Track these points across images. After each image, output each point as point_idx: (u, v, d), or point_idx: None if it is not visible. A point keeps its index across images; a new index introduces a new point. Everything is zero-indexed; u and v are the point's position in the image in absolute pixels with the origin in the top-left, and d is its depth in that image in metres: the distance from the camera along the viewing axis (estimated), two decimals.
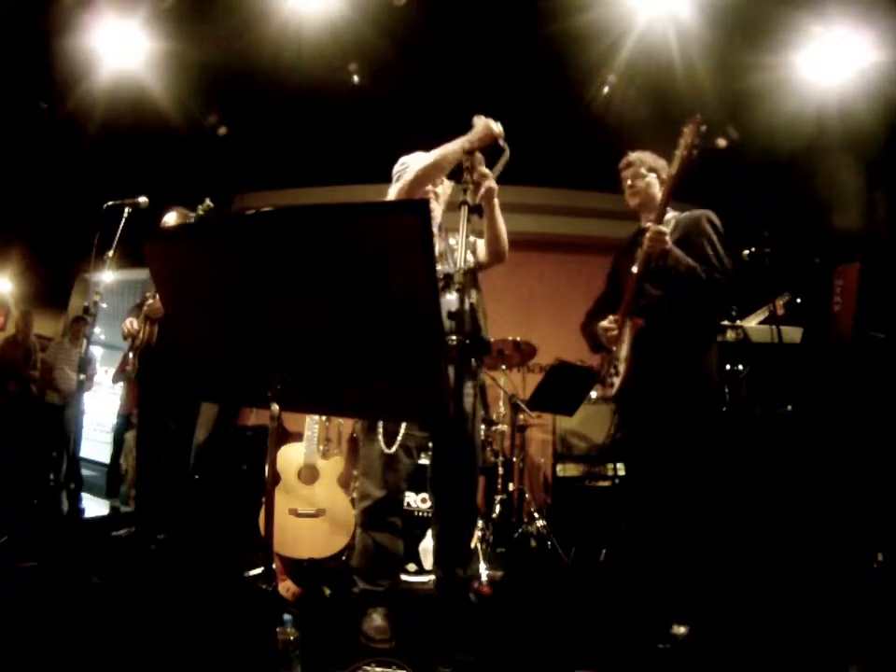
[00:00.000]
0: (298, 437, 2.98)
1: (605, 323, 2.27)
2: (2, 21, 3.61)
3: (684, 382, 2.08)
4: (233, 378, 1.31)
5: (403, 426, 2.11)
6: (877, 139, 3.86)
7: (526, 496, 3.84)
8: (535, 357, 4.01)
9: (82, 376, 3.11)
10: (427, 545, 2.96)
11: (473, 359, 2.24)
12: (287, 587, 2.46)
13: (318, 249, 1.04)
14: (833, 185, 4.02)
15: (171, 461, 3.17)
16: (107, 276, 3.03)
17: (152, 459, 3.14)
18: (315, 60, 3.91)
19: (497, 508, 3.68)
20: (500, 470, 3.84)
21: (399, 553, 2.19)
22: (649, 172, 2.29)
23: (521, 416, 4.00)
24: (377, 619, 2.00)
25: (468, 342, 1.96)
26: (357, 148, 4.80)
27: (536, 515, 3.65)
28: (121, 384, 5.61)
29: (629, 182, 2.32)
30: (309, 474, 2.85)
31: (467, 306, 1.77)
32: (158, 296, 2.72)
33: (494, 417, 4.07)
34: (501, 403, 4.18)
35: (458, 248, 1.65)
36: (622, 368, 2.17)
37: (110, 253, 2.86)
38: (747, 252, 2.73)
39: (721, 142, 4.28)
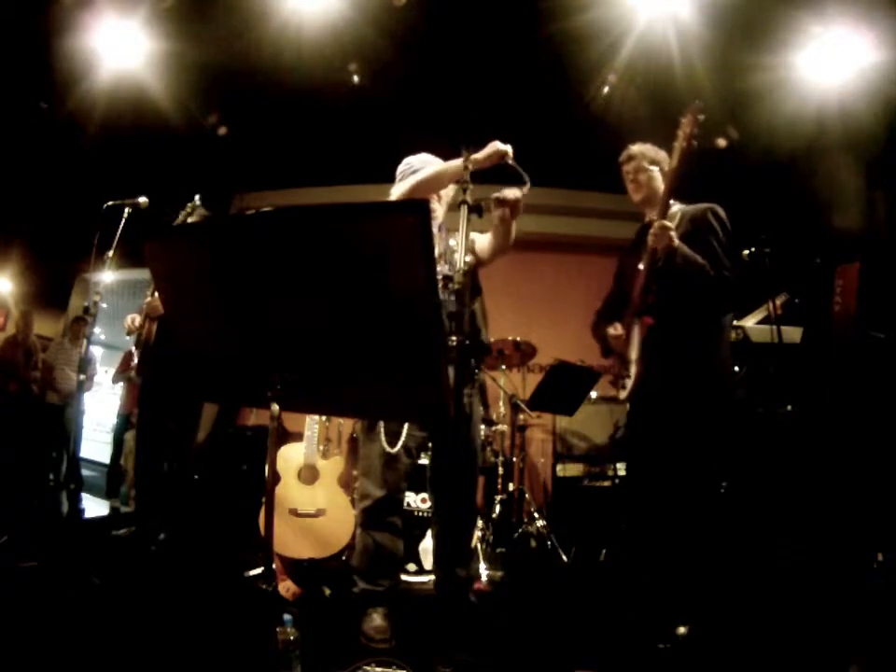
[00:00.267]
0: (298, 437, 2.98)
1: (611, 330, 2.25)
2: (2, 21, 3.61)
3: (697, 381, 2.05)
4: (233, 378, 1.31)
5: (406, 426, 2.11)
6: (877, 139, 3.85)
7: (526, 496, 3.84)
8: (535, 357, 4.01)
9: (82, 376, 3.09)
10: (427, 545, 2.96)
11: (473, 361, 2.24)
12: (286, 587, 2.46)
13: (318, 249, 1.04)
14: (833, 185, 4.02)
15: (171, 461, 3.17)
16: (107, 276, 3.02)
17: (152, 459, 3.14)
18: (314, 60, 3.91)
19: (497, 508, 3.68)
20: (500, 470, 3.84)
21: (399, 553, 2.19)
22: (651, 165, 2.23)
23: (521, 416, 4.00)
24: (377, 619, 2.00)
25: (467, 342, 1.97)
26: (357, 148, 4.80)
27: (536, 515, 3.65)
28: (121, 384, 5.64)
29: (631, 177, 2.26)
30: (309, 474, 2.85)
31: (466, 307, 1.78)
32: (156, 294, 2.72)
33: (494, 417, 4.07)
34: (501, 403, 4.19)
35: (458, 249, 1.65)
36: (633, 369, 2.15)
37: (110, 253, 2.86)
38: (747, 252, 2.72)
39: (721, 142, 4.28)
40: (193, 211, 3.09)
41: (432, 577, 2.38)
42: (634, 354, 2.15)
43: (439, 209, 2.29)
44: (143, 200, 2.89)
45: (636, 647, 1.90)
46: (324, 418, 3.24)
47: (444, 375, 1.10)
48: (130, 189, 2.94)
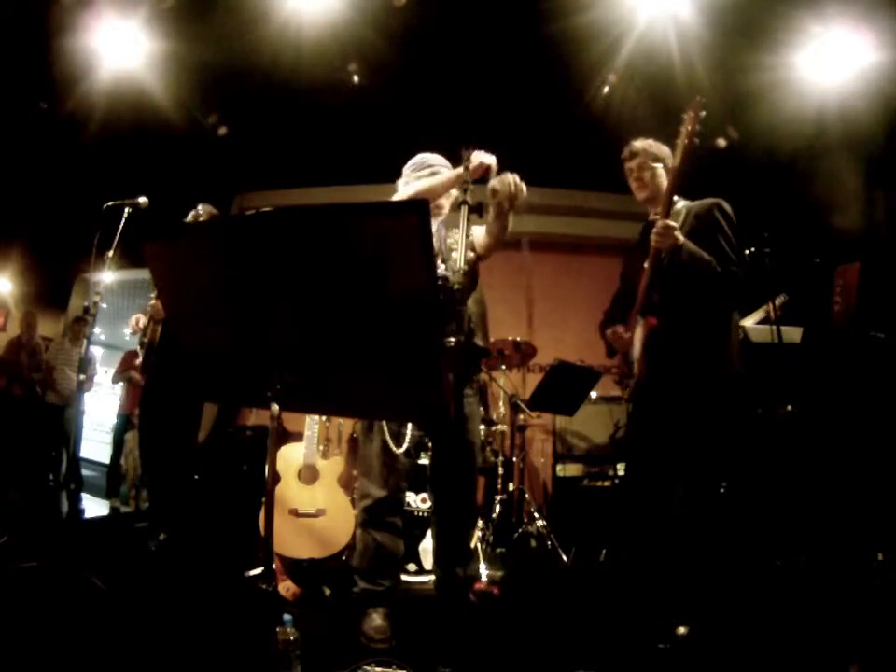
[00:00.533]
0: (298, 437, 2.98)
1: (609, 333, 2.25)
2: (2, 21, 3.61)
3: (700, 381, 2.03)
4: (233, 378, 1.31)
5: (409, 426, 2.11)
6: (877, 139, 3.85)
7: (526, 496, 3.84)
8: (535, 357, 4.01)
9: (82, 376, 3.09)
10: (427, 545, 2.96)
11: (472, 362, 2.24)
12: (287, 587, 2.46)
13: (318, 249, 1.04)
14: (832, 185, 4.02)
15: (173, 461, 3.18)
16: (107, 276, 3.02)
17: (157, 459, 3.15)
18: (314, 60, 3.91)
19: (497, 508, 3.67)
20: (500, 470, 3.84)
21: (399, 553, 2.19)
22: (654, 162, 2.19)
23: (521, 416, 4.00)
24: (377, 619, 2.00)
25: (464, 343, 1.97)
26: (357, 148, 4.80)
27: (536, 515, 3.65)
28: (121, 384, 5.64)
29: (635, 174, 2.22)
30: (309, 474, 2.85)
31: (465, 307, 1.78)
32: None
33: (494, 417, 4.07)
34: (501, 403, 4.19)
35: (457, 248, 1.65)
36: (636, 368, 2.14)
37: (110, 253, 2.86)
38: (747, 252, 2.72)
39: (721, 142, 4.28)
40: (201, 213, 3.09)
41: (432, 577, 2.38)
42: (637, 353, 2.14)
43: (446, 205, 2.29)
44: (143, 200, 2.89)
45: (636, 647, 1.90)
46: (324, 418, 3.24)
47: (444, 375, 1.10)
48: (130, 188, 2.94)
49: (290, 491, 2.78)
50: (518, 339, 3.82)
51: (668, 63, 3.71)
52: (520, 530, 3.60)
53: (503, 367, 3.99)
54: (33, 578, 2.17)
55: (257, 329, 1.16)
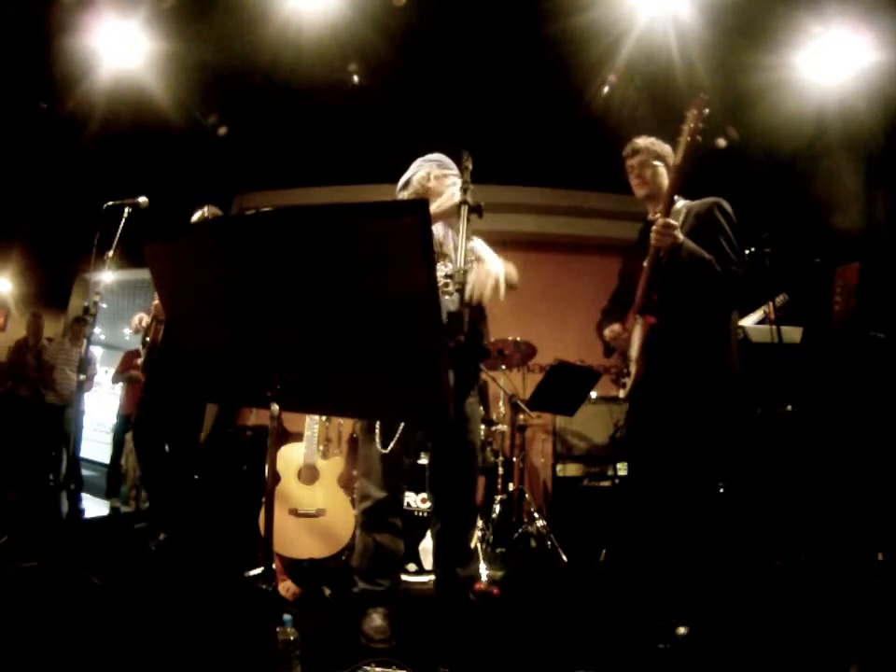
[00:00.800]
0: (298, 437, 2.98)
1: (607, 332, 2.24)
2: (2, 21, 3.61)
3: (699, 381, 2.03)
4: (233, 378, 1.31)
5: (401, 425, 2.11)
6: (877, 139, 3.85)
7: (526, 496, 3.84)
8: (535, 357, 4.01)
9: (82, 376, 3.09)
10: (427, 545, 2.96)
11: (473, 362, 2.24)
12: (287, 587, 2.46)
13: (318, 249, 1.04)
14: (833, 185, 4.02)
15: (174, 461, 3.18)
16: (107, 276, 3.02)
17: (155, 458, 3.15)
18: (314, 60, 3.91)
19: (497, 508, 3.68)
20: (500, 470, 3.84)
21: (399, 554, 2.19)
22: (655, 160, 2.19)
23: (521, 416, 4.00)
24: (377, 619, 2.00)
25: (465, 343, 1.97)
26: (356, 148, 4.80)
27: (536, 515, 3.65)
28: (121, 384, 5.64)
29: (636, 172, 2.21)
30: (309, 474, 2.85)
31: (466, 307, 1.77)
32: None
33: (494, 417, 4.07)
34: (501, 403, 4.19)
35: (458, 248, 1.65)
36: (633, 368, 2.14)
37: (110, 253, 2.86)
38: (747, 252, 2.72)
39: (721, 142, 4.28)
40: (206, 215, 3.10)
41: (432, 577, 2.38)
42: (634, 353, 2.14)
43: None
44: (143, 200, 2.89)
45: (636, 647, 1.90)
46: (324, 418, 3.24)
47: (444, 375, 1.10)
48: (130, 188, 2.94)
49: (290, 491, 2.78)
50: (518, 339, 3.82)
51: (668, 63, 3.71)
52: (520, 530, 3.60)
53: (503, 367, 4.00)
54: (33, 578, 2.17)
55: (257, 329, 1.16)
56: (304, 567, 2.57)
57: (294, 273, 1.07)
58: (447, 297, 1.98)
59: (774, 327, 2.67)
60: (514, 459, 4.10)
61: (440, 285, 1.58)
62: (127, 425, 5.50)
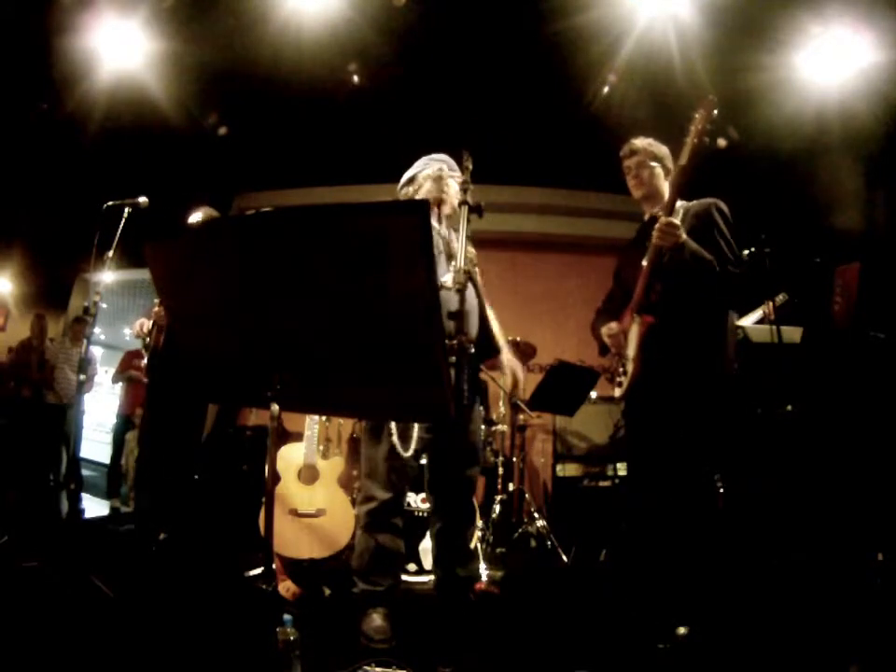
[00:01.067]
0: (298, 437, 2.98)
1: (604, 331, 2.25)
2: (2, 21, 3.61)
3: (698, 381, 2.03)
4: (234, 378, 1.31)
5: (416, 428, 2.11)
6: (877, 139, 3.85)
7: (526, 496, 3.84)
8: (535, 357, 4.01)
9: (82, 376, 3.09)
10: (427, 545, 2.96)
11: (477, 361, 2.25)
12: (286, 587, 2.46)
13: (318, 249, 1.04)
14: (833, 185, 4.02)
15: (177, 462, 3.18)
16: (107, 276, 3.02)
17: (157, 461, 3.15)
18: (314, 60, 3.91)
19: (497, 508, 3.68)
20: (500, 470, 3.85)
21: (399, 554, 2.19)
22: (653, 161, 2.20)
23: (521, 416, 4.00)
24: (377, 619, 2.00)
25: (471, 343, 1.97)
26: (357, 148, 4.80)
27: (536, 515, 3.65)
28: (121, 384, 5.64)
29: (633, 172, 2.22)
30: (309, 474, 2.85)
31: (468, 307, 1.77)
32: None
33: (494, 417, 4.07)
34: (501, 403, 4.19)
35: (459, 248, 1.65)
36: (629, 367, 2.14)
37: (110, 253, 2.85)
38: (747, 252, 2.72)
39: (721, 142, 4.28)
40: (200, 218, 3.10)
41: (432, 577, 2.38)
42: (631, 352, 2.14)
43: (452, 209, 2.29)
44: (143, 200, 2.89)
45: (636, 647, 1.90)
46: (324, 418, 3.24)
47: (445, 375, 1.10)
48: (130, 189, 2.94)
49: (290, 491, 2.78)
50: (518, 339, 3.82)
51: (668, 63, 3.71)
52: (520, 530, 3.60)
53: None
54: (33, 578, 2.17)
55: (257, 328, 1.16)
56: (304, 567, 2.58)
57: (294, 273, 1.07)
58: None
59: (774, 327, 2.67)
60: (514, 459, 4.10)
61: (448, 284, 1.57)
62: (127, 425, 5.50)
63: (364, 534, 2.14)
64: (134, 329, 3.17)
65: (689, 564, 1.98)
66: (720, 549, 2.08)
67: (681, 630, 1.88)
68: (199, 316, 1.22)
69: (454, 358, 1.77)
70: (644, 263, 2.09)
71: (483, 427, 3.48)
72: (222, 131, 4.76)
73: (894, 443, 2.52)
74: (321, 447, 3.00)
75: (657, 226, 2.01)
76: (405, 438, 2.10)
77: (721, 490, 2.43)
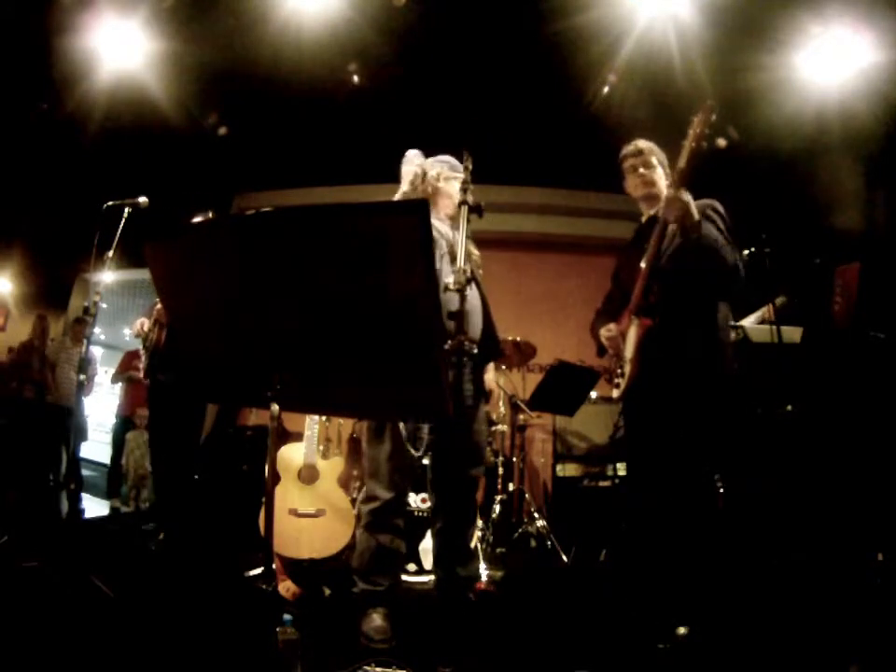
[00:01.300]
0: (298, 437, 2.98)
1: (603, 332, 2.25)
2: (2, 21, 3.61)
3: (697, 383, 2.02)
4: (233, 378, 1.31)
5: (426, 428, 2.11)
6: (877, 139, 3.85)
7: (526, 496, 3.84)
8: (535, 357, 4.00)
9: (82, 376, 3.10)
10: (427, 545, 2.96)
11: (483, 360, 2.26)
12: (286, 587, 2.46)
13: (318, 249, 1.04)
14: (833, 185, 4.02)
15: (179, 461, 3.19)
16: (107, 276, 3.02)
17: (164, 459, 3.17)
18: (314, 60, 3.91)
19: (497, 508, 3.68)
20: (500, 470, 3.85)
21: (400, 554, 2.19)
22: (657, 162, 2.21)
23: (521, 416, 4.00)
24: (377, 619, 2.00)
25: (464, 342, 1.97)
26: (357, 148, 4.80)
27: (536, 515, 3.65)
28: (120, 384, 5.64)
29: (641, 171, 2.21)
30: (309, 474, 2.85)
31: (469, 308, 1.77)
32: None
33: (494, 417, 4.07)
34: (501, 403, 4.19)
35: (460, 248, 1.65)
36: (627, 368, 2.14)
37: (110, 253, 2.86)
38: (746, 252, 2.72)
39: (721, 142, 4.28)
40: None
41: (432, 577, 2.38)
42: (629, 353, 2.14)
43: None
44: (143, 200, 2.89)
45: (636, 647, 1.90)
46: (324, 418, 3.24)
47: (444, 375, 1.10)
48: (130, 189, 2.94)
49: (290, 491, 2.78)
50: (518, 339, 3.82)
51: (668, 63, 3.71)
52: (520, 530, 3.60)
53: (503, 367, 4.00)
54: (33, 578, 2.17)
55: (257, 328, 1.16)
56: (304, 567, 2.58)
57: (294, 273, 1.07)
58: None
59: (774, 327, 2.67)
60: (514, 459, 4.10)
61: (451, 285, 1.57)
62: (127, 425, 5.51)
63: (365, 533, 2.14)
64: (134, 329, 3.18)
65: (689, 564, 1.98)
66: (719, 549, 2.08)
67: (681, 630, 1.88)
68: (199, 316, 1.22)
69: (454, 358, 1.77)
70: (642, 265, 2.09)
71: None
72: (222, 131, 4.77)
73: (894, 443, 2.52)
74: (321, 447, 3.00)
75: (665, 197, 1.99)
76: (416, 438, 2.10)
77: (721, 490, 2.43)
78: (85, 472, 5.52)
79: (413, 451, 2.08)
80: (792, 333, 2.92)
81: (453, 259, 2.14)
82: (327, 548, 2.68)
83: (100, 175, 4.31)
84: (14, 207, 5.03)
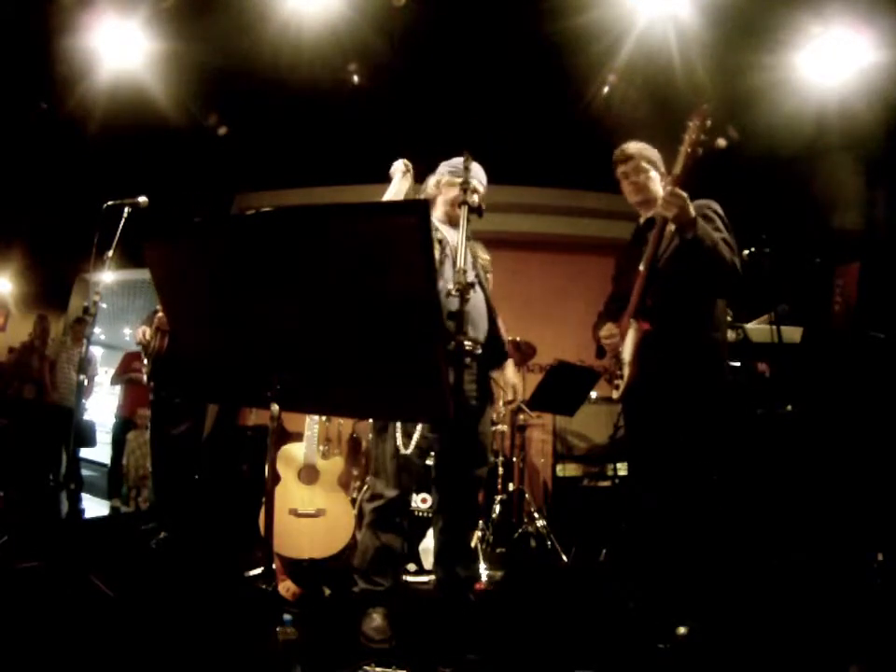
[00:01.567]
0: (298, 437, 2.98)
1: (604, 332, 2.25)
2: (2, 21, 3.61)
3: (695, 386, 2.03)
4: (233, 378, 1.31)
5: (419, 427, 2.11)
6: (877, 139, 3.85)
7: (526, 496, 3.84)
8: (535, 357, 4.01)
9: (82, 376, 3.11)
10: (427, 545, 2.96)
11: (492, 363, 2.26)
12: (286, 587, 2.46)
13: (318, 249, 1.04)
14: (833, 185, 4.02)
15: (180, 462, 3.20)
16: (107, 276, 3.03)
17: (165, 460, 3.17)
18: (314, 60, 3.91)
19: (497, 508, 3.68)
20: (500, 470, 3.84)
21: (401, 554, 2.19)
22: (647, 165, 2.19)
23: (521, 416, 4.00)
24: (377, 619, 2.00)
25: (469, 344, 1.97)
26: (356, 148, 4.80)
27: (536, 515, 3.65)
28: (119, 386, 5.64)
29: (631, 178, 2.21)
30: (309, 474, 2.85)
31: (472, 309, 1.77)
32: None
33: (494, 417, 4.07)
34: (501, 403, 4.18)
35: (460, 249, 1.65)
36: (626, 371, 2.14)
37: (110, 253, 2.86)
38: (746, 252, 2.72)
39: (721, 142, 4.28)
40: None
41: (432, 577, 2.38)
42: (628, 355, 2.14)
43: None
44: (143, 200, 2.89)
45: (636, 647, 1.90)
46: (324, 418, 3.25)
47: (444, 375, 1.10)
48: (130, 188, 2.94)
49: (290, 491, 2.78)
50: (518, 339, 3.82)
51: (668, 63, 3.71)
52: (520, 530, 3.60)
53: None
54: (33, 578, 2.17)
55: (257, 328, 1.16)
56: (304, 567, 2.58)
57: (294, 274, 1.07)
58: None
59: (774, 327, 2.67)
60: (514, 459, 4.10)
61: (453, 291, 1.57)
62: (126, 425, 5.50)
63: (368, 532, 2.14)
64: (137, 337, 3.20)
65: (689, 564, 1.98)
66: (720, 549, 2.08)
67: (681, 630, 1.88)
68: (199, 316, 1.22)
69: (454, 359, 1.77)
70: (641, 268, 2.09)
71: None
72: (222, 131, 4.77)
73: (894, 443, 2.52)
74: (321, 447, 3.00)
75: (663, 195, 1.98)
76: (407, 435, 2.10)
77: (721, 490, 2.43)
78: (85, 472, 5.53)
79: (401, 448, 2.08)
80: (792, 333, 2.93)
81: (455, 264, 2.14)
82: (327, 548, 2.68)
83: (100, 175, 4.31)
84: (14, 207, 5.03)
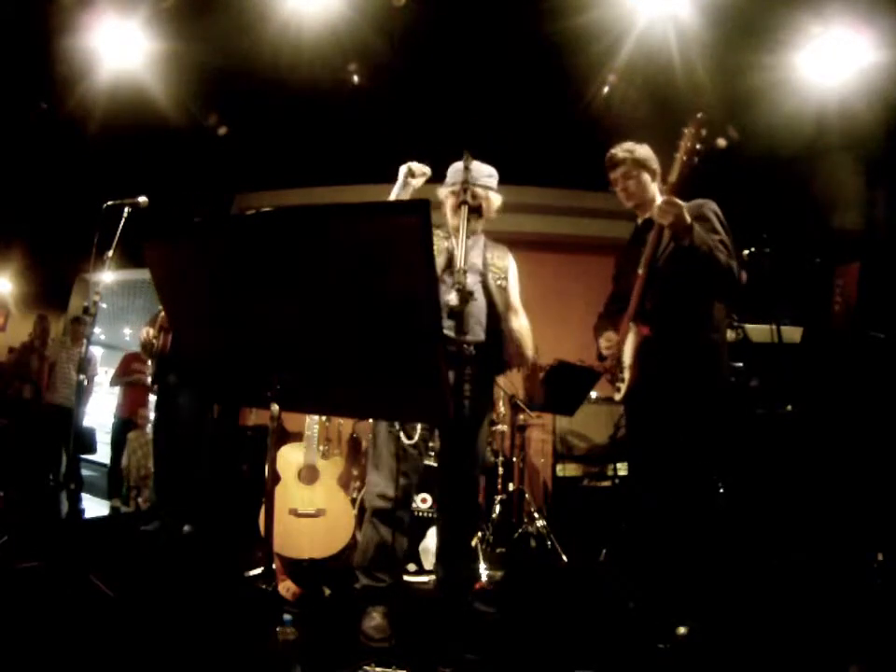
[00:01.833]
0: (298, 437, 2.98)
1: (603, 342, 2.25)
2: (2, 21, 3.61)
3: (695, 389, 2.03)
4: (234, 378, 1.31)
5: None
6: (877, 139, 3.85)
7: (526, 496, 3.84)
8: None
9: (82, 376, 3.11)
10: (426, 545, 2.96)
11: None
12: (287, 587, 2.46)
13: (318, 249, 1.04)
14: (833, 185, 4.02)
15: (182, 463, 3.20)
16: (107, 276, 3.03)
17: (168, 462, 3.18)
18: (314, 60, 3.91)
19: (497, 508, 3.68)
20: (500, 470, 3.84)
21: (402, 550, 2.19)
22: (638, 168, 2.18)
23: (521, 416, 4.00)
24: (377, 618, 2.00)
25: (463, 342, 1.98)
26: (356, 148, 4.80)
27: (536, 515, 3.65)
28: (118, 387, 5.64)
29: (621, 185, 2.22)
30: (309, 474, 2.85)
31: (469, 306, 1.77)
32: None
33: (494, 417, 4.07)
34: (501, 403, 4.18)
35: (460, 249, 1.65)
36: (626, 374, 2.14)
37: (110, 253, 2.86)
38: (746, 252, 2.72)
39: (721, 142, 4.28)
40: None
41: (432, 577, 2.38)
42: (628, 358, 2.14)
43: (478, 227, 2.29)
44: (143, 200, 2.89)
45: (636, 647, 1.90)
46: (324, 418, 3.24)
47: (444, 376, 1.10)
48: (130, 188, 2.94)
49: (290, 491, 2.78)
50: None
51: (668, 63, 3.71)
52: (520, 530, 3.60)
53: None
54: (33, 578, 2.17)
55: (257, 328, 1.16)
56: (304, 567, 2.58)
57: (294, 274, 1.07)
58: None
59: (774, 327, 2.67)
60: (514, 459, 4.10)
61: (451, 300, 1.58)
62: (126, 426, 5.50)
63: (370, 527, 2.14)
64: (141, 338, 3.20)
65: (689, 564, 1.98)
66: (720, 549, 2.08)
67: (681, 630, 1.88)
68: (199, 316, 1.22)
69: (454, 359, 1.77)
70: (640, 272, 2.09)
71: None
72: (222, 131, 4.76)
73: (894, 443, 2.52)
74: (321, 447, 3.00)
75: (658, 203, 1.98)
76: (411, 427, 2.12)
77: (721, 490, 2.43)
78: (85, 472, 5.52)
79: (405, 439, 2.08)
80: (792, 333, 2.93)
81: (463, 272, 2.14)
82: (327, 548, 2.68)
83: (100, 175, 4.31)
84: (14, 207, 5.03)
